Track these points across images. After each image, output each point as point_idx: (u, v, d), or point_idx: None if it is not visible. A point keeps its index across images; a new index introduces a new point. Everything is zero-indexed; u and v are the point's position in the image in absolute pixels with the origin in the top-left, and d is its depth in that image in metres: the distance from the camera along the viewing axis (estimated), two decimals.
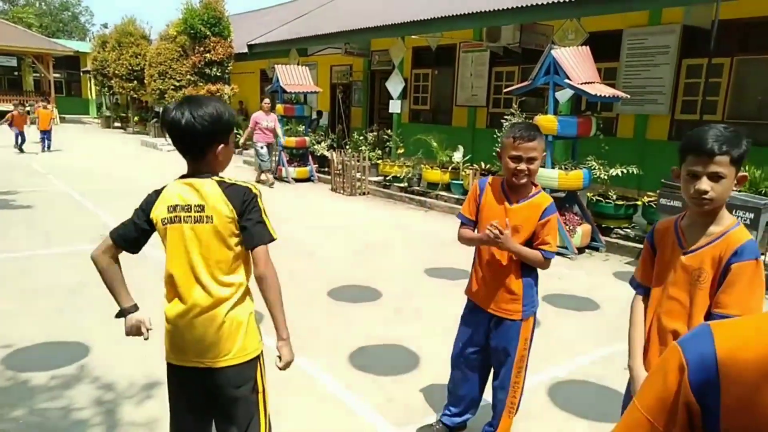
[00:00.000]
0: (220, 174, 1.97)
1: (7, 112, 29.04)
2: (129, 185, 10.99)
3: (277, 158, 12.62)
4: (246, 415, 2.04)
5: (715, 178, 1.73)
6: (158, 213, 1.90)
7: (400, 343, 4.18)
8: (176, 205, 1.88)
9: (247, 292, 2.01)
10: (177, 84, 19.88)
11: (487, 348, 2.75)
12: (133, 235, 1.94)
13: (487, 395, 2.89)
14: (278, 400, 3.29)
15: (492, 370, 2.82)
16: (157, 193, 1.94)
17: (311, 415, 3.17)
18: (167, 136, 1.89)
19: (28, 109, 14.55)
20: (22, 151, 16.37)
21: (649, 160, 8.63)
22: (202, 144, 1.87)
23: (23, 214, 8.13)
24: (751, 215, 5.37)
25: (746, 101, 8.69)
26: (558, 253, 6.77)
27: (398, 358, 3.95)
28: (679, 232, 1.91)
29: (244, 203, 1.87)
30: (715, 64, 6.13)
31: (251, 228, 1.88)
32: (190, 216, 1.87)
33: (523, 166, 2.47)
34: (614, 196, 7.53)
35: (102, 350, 3.87)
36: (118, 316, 2.02)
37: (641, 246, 6.82)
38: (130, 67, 24.24)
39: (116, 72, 24.61)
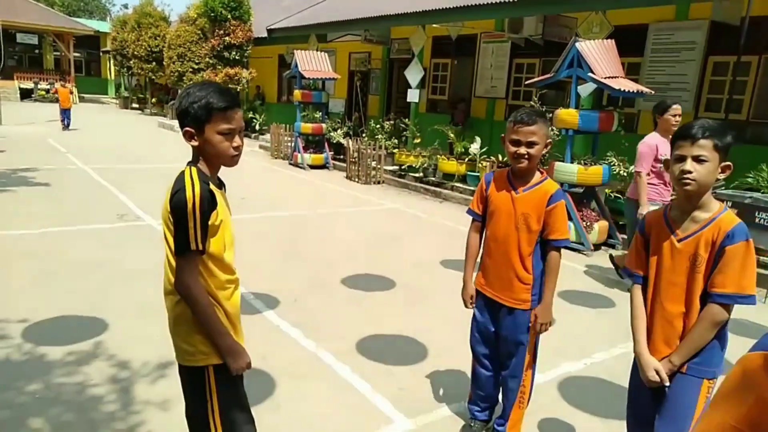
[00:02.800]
0: (203, 164, 1.83)
1: (29, 90, 29.52)
2: (147, 165, 11.08)
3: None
4: (203, 427, 1.91)
5: (699, 161, 1.89)
6: None
7: (411, 333, 4.17)
8: None
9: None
10: (195, 66, 19.94)
11: (499, 339, 2.75)
12: None
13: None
14: (290, 383, 3.33)
15: (502, 360, 2.80)
16: None
17: (324, 400, 3.18)
18: None
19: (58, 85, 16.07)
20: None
21: None
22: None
23: (42, 191, 8.23)
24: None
25: None
26: (574, 249, 6.72)
27: (409, 348, 3.94)
28: (669, 222, 2.03)
29: (172, 197, 1.73)
30: (743, 62, 5.99)
31: (174, 232, 1.74)
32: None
33: (522, 149, 2.50)
34: None
35: (118, 328, 3.91)
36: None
37: None
38: (149, 49, 24.37)
39: (135, 53, 24.75)
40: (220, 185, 1.91)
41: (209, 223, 1.75)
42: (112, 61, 32.83)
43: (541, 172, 2.63)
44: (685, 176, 1.90)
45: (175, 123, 20.65)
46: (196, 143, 1.79)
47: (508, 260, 2.61)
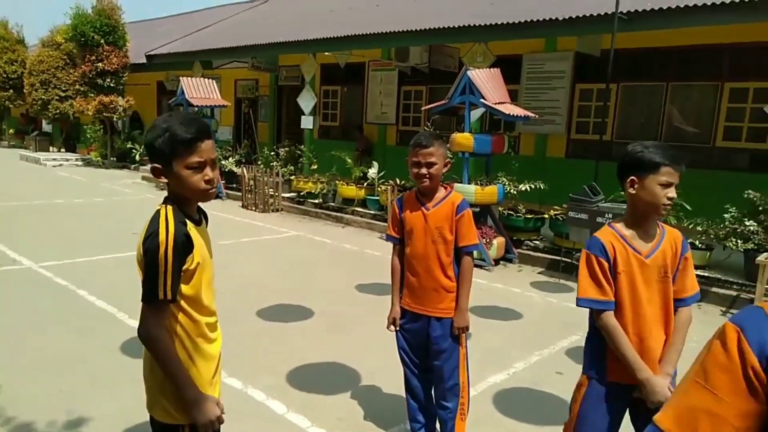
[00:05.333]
0: (179, 201, 1.70)
1: None
2: (14, 203, 9.95)
3: None
4: None
5: (676, 187, 2.03)
6: None
7: (338, 360, 4.13)
8: None
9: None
10: (62, 94, 18.46)
11: (431, 351, 2.83)
12: None
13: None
14: (223, 427, 3.13)
15: (436, 374, 2.87)
16: None
17: None
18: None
19: None
20: None
21: (549, 176, 9.24)
22: None
23: None
24: None
25: (630, 123, 9.62)
26: (476, 266, 7.05)
27: (340, 375, 3.90)
28: (629, 242, 2.05)
29: (144, 240, 1.61)
30: (605, 89, 6.76)
31: (143, 278, 1.61)
32: None
33: (423, 170, 2.68)
34: (523, 210, 7.99)
35: (12, 388, 3.46)
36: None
37: (551, 257, 7.30)
38: (5, 75, 22.12)
39: None
40: (201, 220, 1.78)
41: (184, 267, 1.62)
42: None
43: (445, 188, 2.82)
44: (670, 203, 2.00)
45: (41, 155, 18.80)
46: (165, 180, 1.67)
47: (431, 274, 2.75)
